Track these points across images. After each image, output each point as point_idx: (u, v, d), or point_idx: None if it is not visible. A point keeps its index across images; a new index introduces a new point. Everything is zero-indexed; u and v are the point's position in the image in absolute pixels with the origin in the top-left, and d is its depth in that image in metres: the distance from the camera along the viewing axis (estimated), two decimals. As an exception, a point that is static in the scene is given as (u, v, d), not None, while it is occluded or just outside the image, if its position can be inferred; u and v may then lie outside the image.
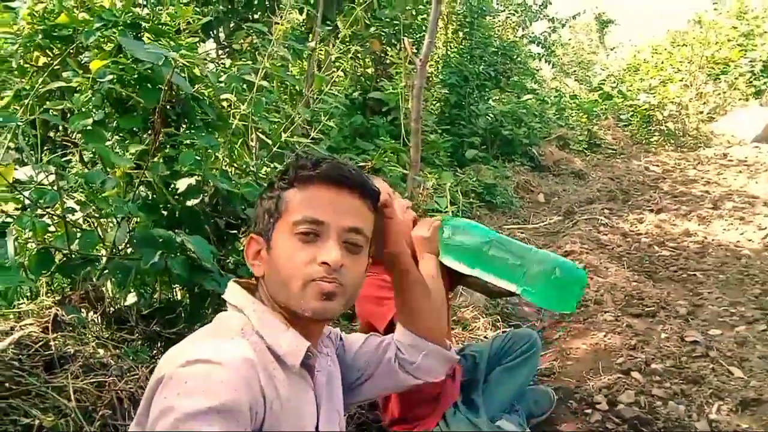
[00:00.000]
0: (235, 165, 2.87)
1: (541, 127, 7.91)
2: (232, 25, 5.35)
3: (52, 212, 2.02)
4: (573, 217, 5.30)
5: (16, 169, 2.02)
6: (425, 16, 6.08)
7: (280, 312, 1.04)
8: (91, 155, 2.44)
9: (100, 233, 2.19)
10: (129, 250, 2.12)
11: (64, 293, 1.86)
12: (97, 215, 2.20)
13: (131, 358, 1.67)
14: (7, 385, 1.27)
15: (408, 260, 1.26)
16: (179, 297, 2.36)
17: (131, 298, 2.20)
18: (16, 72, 2.40)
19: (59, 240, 2.00)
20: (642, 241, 4.52)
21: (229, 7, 5.24)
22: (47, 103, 2.33)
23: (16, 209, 1.96)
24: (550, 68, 12.35)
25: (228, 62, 4.27)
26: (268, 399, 0.92)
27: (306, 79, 4.33)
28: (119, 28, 2.30)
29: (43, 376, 1.36)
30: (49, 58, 2.44)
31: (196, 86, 2.40)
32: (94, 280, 1.95)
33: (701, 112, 9.75)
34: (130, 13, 2.40)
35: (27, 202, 1.92)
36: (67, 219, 1.97)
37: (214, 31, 5.36)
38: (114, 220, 2.19)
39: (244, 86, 2.78)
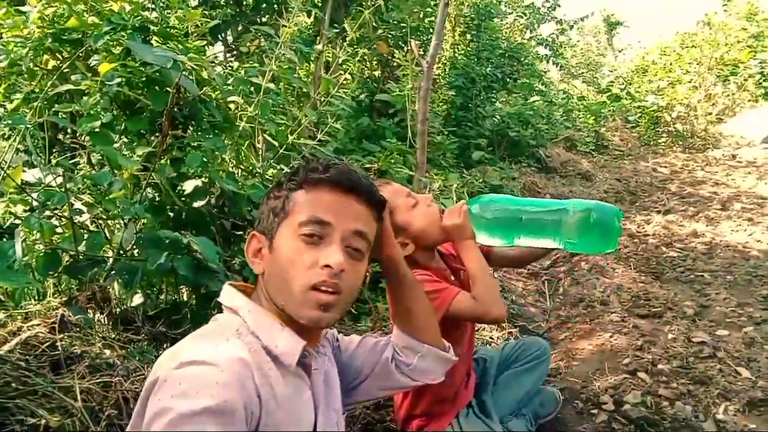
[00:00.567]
0: (242, 167, 2.89)
1: (548, 129, 7.88)
2: (239, 27, 5.39)
3: (60, 214, 2.05)
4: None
5: (24, 171, 2.05)
6: (432, 18, 6.09)
7: (276, 312, 1.05)
8: (99, 157, 2.46)
9: (107, 234, 2.22)
10: (136, 252, 2.15)
11: (71, 294, 1.88)
12: (104, 217, 2.22)
13: (137, 358, 1.69)
14: (14, 385, 1.29)
15: (403, 263, 1.27)
16: (185, 298, 2.38)
17: (138, 299, 2.22)
18: (26, 75, 2.44)
19: (66, 241, 2.02)
20: (649, 242, 4.50)
21: (237, 10, 5.28)
22: (56, 105, 2.36)
23: (25, 211, 1.99)
24: (557, 70, 12.33)
25: (235, 65, 4.30)
26: (263, 398, 0.93)
27: (313, 82, 4.35)
28: (128, 31, 2.33)
29: (49, 376, 1.38)
30: (59, 62, 2.48)
31: (204, 89, 2.42)
32: (100, 281, 1.97)
33: (710, 114, 9.69)
34: (139, 17, 2.43)
35: (35, 203, 1.95)
36: (75, 220, 2.00)
37: (222, 34, 5.40)
38: (121, 222, 2.22)
39: (252, 89, 2.81)
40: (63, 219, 2.07)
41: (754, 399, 2.33)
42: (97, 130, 2.17)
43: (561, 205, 1.66)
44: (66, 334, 1.56)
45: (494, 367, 2.19)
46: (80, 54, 2.39)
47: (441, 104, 6.35)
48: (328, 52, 4.66)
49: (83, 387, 1.36)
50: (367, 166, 3.91)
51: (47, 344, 1.48)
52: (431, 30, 5.87)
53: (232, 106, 2.80)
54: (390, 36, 5.46)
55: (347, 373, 1.26)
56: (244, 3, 5.30)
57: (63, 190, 1.96)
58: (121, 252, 2.12)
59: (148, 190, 2.27)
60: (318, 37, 4.73)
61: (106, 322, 1.86)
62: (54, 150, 2.51)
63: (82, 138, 2.44)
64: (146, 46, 2.23)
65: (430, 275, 1.66)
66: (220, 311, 1.10)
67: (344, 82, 4.56)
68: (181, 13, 2.73)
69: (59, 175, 2.03)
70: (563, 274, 3.91)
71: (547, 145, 7.45)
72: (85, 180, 2.22)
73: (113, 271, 2.06)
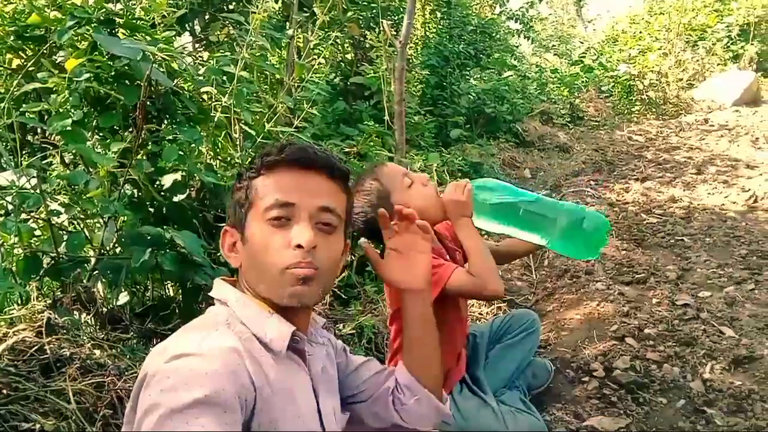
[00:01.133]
0: (220, 158, 2.85)
1: (524, 103, 7.89)
2: (207, 17, 5.27)
3: (37, 216, 2.00)
4: (560, 190, 5.33)
5: (-4, 174, 1.99)
6: (402, -3, 6.03)
7: (262, 300, 1.04)
8: (73, 156, 2.41)
9: (87, 234, 2.17)
10: (118, 250, 2.11)
11: (55, 296, 1.85)
12: (82, 216, 2.17)
13: (128, 357, 1.67)
14: (5, 391, 1.26)
15: (430, 299, 1.24)
16: (172, 293, 2.35)
17: (124, 298, 2.19)
18: (-11, 76, 2.36)
19: (46, 243, 1.98)
20: (629, 210, 4.56)
21: (203, -1, 5.16)
22: (24, 105, 2.29)
23: (0, 215, 1.94)
24: (529, 44, 12.33)
25: (206, 55, 4.22)
26: (257, 385, 0.92)
27: (286, 68, 4.29)
28: (93, 25, 2.27)
29: (40, 380, 1.36)
30: (23, 60, 2.40)
31: (176, 80, 2.37)
32: (84, 281, 1.94)
33: (681, 80, 9.79)
34: (103, 10, 2.36)
35: (10, 207, 1.90)
36: (53, 222, 1.95)
37: (190, 24, 5.28)
38: (101, 220, 2.18)
39: (224, 78, 2.76)
40: (40, 221, 2.02)
41: (738, 357, 2.39)
42: (69, 128, 2.11)
43: (559, 206, 1.74)
44: (53, 337, 1.53)
45: (485, 342, 2.22)
46: (45, 51, 2.32)
47: (416, 84, 6.32)
48: (300, 37, 4.59)
49: (76, 389, 1.34)
50: (346, 150, 3.89)
51: (35, 348, 1.45)
52: (402, 10, 5.82)
53: (205, 96, 2.75)
54: (361, 18, 5.40)
55: (346, 388, 1.23)
56: (211, -9, 5.18)
57: (38, 191, 1.91)
58: (103, 251, 2.08)
59: (126, 186, 2.23)
60: (288, 23, 4.66)
61: (94, 323, 1.83)
62: (25, 152, 2.45)
63: (53, 137, 2.38)
64: (114, 38, 2.17)
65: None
66: (209, 305, 1.09)
67: (318, 66, 4.51)
68: (146, 3, 2.66)
69: (32, 177, 1.98)
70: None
71: (523, 120, 7.48)
72: (59, 180, 2.17)
73: (96, 271, 2.03)
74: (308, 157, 1.05)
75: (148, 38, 2.40)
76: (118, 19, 2.38)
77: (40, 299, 1.85)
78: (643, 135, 7.54)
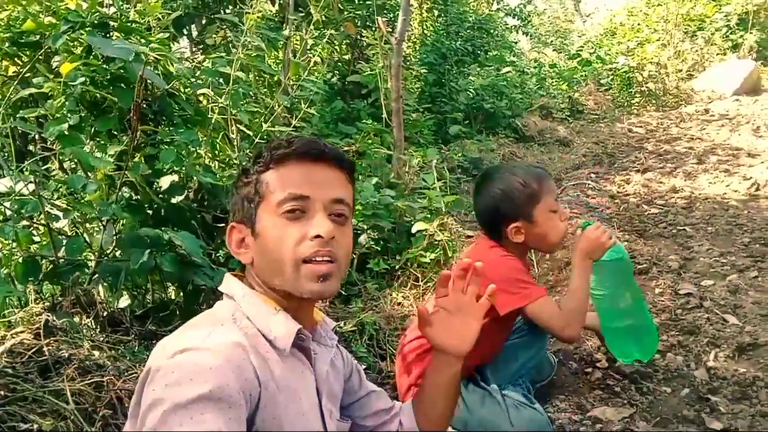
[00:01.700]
0: (218, 159, 2.86)
1: (523, 98, 7.88)
2: (203, 20, 5.28)
3: (36, 221, 2.01)
4: (561, 183, 5.31)
5: (-6, 180, 2.00)
6: (397, -5, 6.02)
7: (271, 296, 1.04)
8: (70, 161, 2.42)
9: (86, 238, 2.18)
10: (117, 252, 2.12)
11: (54, 300, 1.85)
12: (81, 220, 2.18)
13: (128, 358, 1.67)
14: (2, 392, 1.26)
15: (460, 365, 1.22)
16: (173, 295, 2.35)
17: (124, 301, 2.20)
18: (-15, 82, 2.37)
19: (45, 248, 1.99)
20: (630, 201, 4.54)
21: (200, 2, 5.17)
22: (20, 111, 2.30)
23: (-1, 220, 1.95)
24: (528, 40, 12.31)
25: (201, 58, 4.22)
26: (262, 380, 0.92)
27: (283, 68, 4.29)
28: (87, 29, 2.27)
29: (38, 381, 1.36)
30: (19, 66, 2.41)
31: (172, 83, 2.38)
32: (84, 285, 1.94)
33: (680, 70, 9.75)
34: (97, 13, 2.37)
35: (8, 212, 1.91)
36: (52, 226, 1.96)
37: (186, 28, 5.29)
38: (99, 224, 2.18)
39: (221, 80, 2.76)
40: (39, 226, 2.03)
41: (742, 344, 2.38)
42: (66, 132, 2.12)
43: (646, 319, 2.04)
44: (52, 338, 1.53)
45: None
46: (40, 57, 2.33)
47: (414, 82, 6.32)
48: (296, 37, 4.60)
49: (74, 389, 1.34)
50: (345, 148, 3.89)
51: (33, 350, 1.45)
52: (397, 7, 5.81)
53: (202, 98, 2.75)
54: (356, 16, 5.40)
55: (351, 410, 1.23)
56: (206, -6, 5.19)
57: (36, 196, 1.92)
58: (103, 254, 2.09)
59: (124, 189, 2.23)
60: (283, 24, 4.66)
61: (93, 326, 1.84)
62: (25, 158, 2.46)
63: (51, 142, 2.39)
64: (106, 40, 2.17)
65: (522, 266, 1.75)
66: (209, 306, 1.09)
67: (315, 66, 4.51)
68: (140, 6, 2.66)
69: (30, 182, 1.99)
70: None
71: (522, 115, 7.46)
72: (58, 185, 2.18)
73: (96, 274, 2.03)
74: (318, 149, 1.05)
75: (143, 41, 2.41)
76: (112, 23, 2.38)
77: (38, 302, 1.86)
78: (644, 127, 7.52)
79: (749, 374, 2.18)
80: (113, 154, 2.20)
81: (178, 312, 2.12)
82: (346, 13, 5.22)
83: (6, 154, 2.17)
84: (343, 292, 2.78)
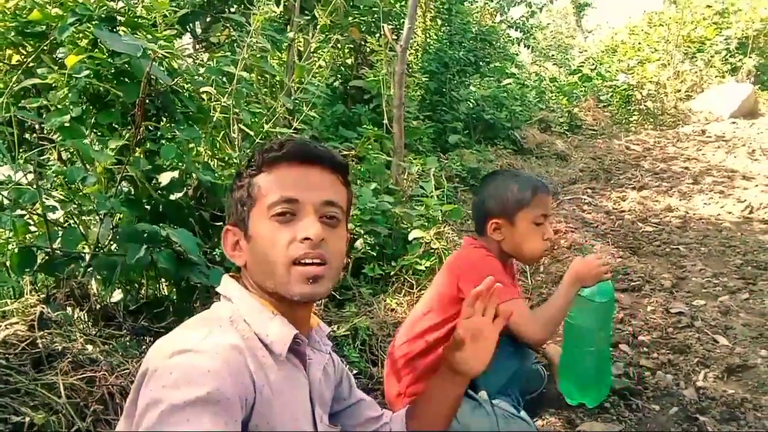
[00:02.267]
0: (218, 157, 2.86)
1: (523, 111, 7.92)
2: (208, 19, 5.29)
3: (33, 211, 2.00)
4: (557, 197, 5.34)
5: (-7, 168, 1.99)
6: (404, 2, 6.06)
7: (267, 299, 1.04)
8: (70, 153, 2.41)
9: (83, 230, 2.17)
10: (113, 247, 2.11)
11: (49, 291, 1.84)
12: (78, 212, 2.17)
13: (120, 353, 1.66)
14: (-5, 384, 1.26)
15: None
16: (166, 292, 2.35)
17: (118, 295, 2.19)
18: (-11, 71, 2.36)
19: (41, 239, 1.98)
20: (625, 218, 4.56)
21: (206, 0, 5.17)
22: (22, 101, 2.29)
23: (-5, 209, 1.94)
24: (529, 53, 12.39)
25: (206, 56, 4.23)
26: (257, 384, 0.92)
27: (286, 70, 4.30)
28: (94, 22, 2.27)
29: (31, 373, 1.35)
30: (23, 56, 2.40)
31: (176, 79, 2.37)
32: (79, 277, 1.93)
33: (679, 91, 9.84)
34: (105, 7, 2.36)
35: (6, 201, 1.90)
36: (48, 217, 1.95)
37: (191, 25, 5.29)
38: (97, 217, 2.17)
39: (224, 79, 2.76)
40: (36, 217, 2.02)
41: (732, 365, 2.39)
42: (67, 124, 2.11)
43: (606, 368, 2.07)
44: (46, 331, 1.52)
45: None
46: (45, 47, 2.32)
47: (416, 89, 6.34)
48: (300, 40, 4.61)
49: (67, 383, 1.34)
50: (345, 152, 3.89)
51: (27, 342, 1.44)
52: (403, 15, 5.84)
53: (205, 96, 2.75)
54: (362, 22, 5.42)
55: (339, 418, 1.23)
56: (212, -8, 5.19)
57: (34, 187, 1.91)
58: (99, 248, 2.08)
59: (123, 183, 2.23)
60: (288, 26, 4.67)
61: (87, 319, 1.83)
62: (22, 149, 2.45)
63: (51, 133, 2.38)
64: (114, 35, 2.17)
65: (501, 268, 1.76)
66: (203, 304, 1.09)
67: (318, 69, 4.52)
68: (148, 2, 2.66)
69: (29, 172, 1.98)
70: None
71: (522, 127, 7.49)
72: (56, 176, 2.17)
73: (91, 267, 2.02)
74: (309, 152, 1.05)
75: (149, 37, 2.41)
76: (119, 17, 2.38)
77: (33, 294, 1.85)
78: (641, 145, 7.57)
79: (738, 395, 2.19)
80: (114, 148, 2.20)
81: (171, 309, 2.11)
82: (351, 18, 5.24)
83: (6, 143, 2.16)
84: (338, 297, 2.78)
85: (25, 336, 1.46)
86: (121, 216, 2.22)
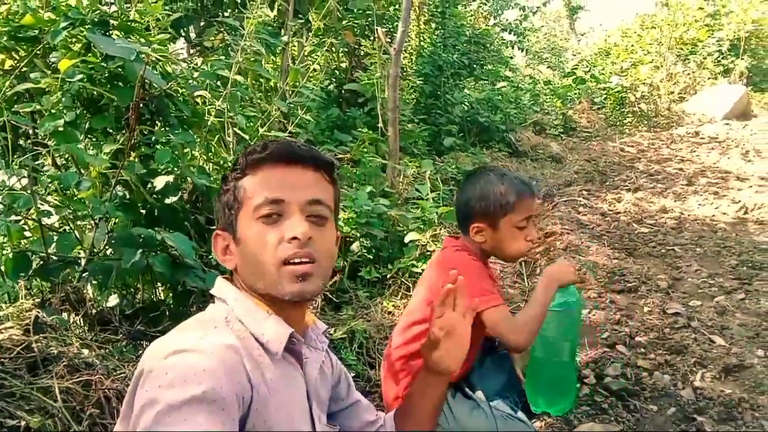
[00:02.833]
0: (213, 161, 2.85)
1: (517, 114, 7.93)
2: (202, 23, 5.28)
3: (27, 216, 1.98)
4: (552, 199, 5.35)
5: (-14, 173, 1.98)
6: (397, 6, 6.06)
7: (260, 299, 1.04)
8: (64, 158, 2.40)
9: (78, 235, 2.16)
10: (109, 251, 2.10)
11: (44, 296, 1.83)
12: (73, 217, 2.16)
13: (117, 357, 1.65)
14: (-11, 388, 1.24)
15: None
16: (162, 296, 2.33)
17: (113, 300, 2.18)
18: (-18, 75, 2.35)
19: (36, 244, 1.97)
20: (621, 220, 4.58)
21: (199, 5, 5.17)
22: (16, 106, 2.28)
23: (-11, 214, 1.93)
24: (523, 56, 12.43)
25: (199, 61, 4.22)
26: (254, 383, 0.91)
27: (281, 74, 4.29)
28: (87, 26, 2.26)
29: (27, 377, 1.34)
30: (16, 61, 2.39)
31: (170, 83, 2.37)
32: (74, 282, 1.92)
33: (672, 93, 9.88)
34: (97, 11, 2.36)
35: (0, 207, 1.89)
36: (43, 222, 1.94)
37: (185, 30, 5.28)
38: (92, 222, 2.16)
39: (218, 83, 2.76)
40: (31, 222, 2.01)
41: (729, 365, 2.40)
42: (61, 129, 2.10)
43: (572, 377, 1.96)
44: (41, 335, 1.51)
45: (477, 353, 2.21)
46: (38, 52, 2.32)
47: (410, 93, 6.35)
48: (294, 44, 4.61)
49: (62, 387, 1.33)
50: (340, 156, 3.89)
51: (22, 346, 1.43)
52: (397, 18, 5.84)
53: (199, 100, 2.75)
54: (355, 25, 5.42)
55: (336, 419, 1.23)
56: (206, -2, 5.19)
57: (28, 192, 1.90)
58: (94, 252, 2.07)
59: (118, 188, 2.22)
60: (282, 29, 4.67)
61: (82, 324, 1.81)
62: (16, 155, 2.44)
63: (46, 138, 2.37)
64: (107, 39, 2.17)
65: (484, 272, 1.74)
66: (199, 308, 1.08)
67: (312, 73, 4.52)
68: (141, 6, 2.66)
69: (23, 177, 1.97)
70: (539, 254, 3.95)
71: (516, 130, 7.51)
72: (51, 181, 2.16)
73: (86, 272, 2.01)
74: (292, 152, 1.05)
75: (143, 40, 2.40)
76: (112, 21, 2.38)
77: (28, 298, 1.84)
78: (635, 146, 7.60)
79: (735, 395, 2.19)
80: (108, 153, 2.19)
81: (167, 313, 2.10)
82: (345, 21, 5.25)
83: (0, 149, 2.15)
84: (335, 300, 2.78)
85: (20, 340, 1.45)
86: (116, 220, 2.21)
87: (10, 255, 1.85)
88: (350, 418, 1.24)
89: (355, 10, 5.44)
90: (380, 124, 4.26)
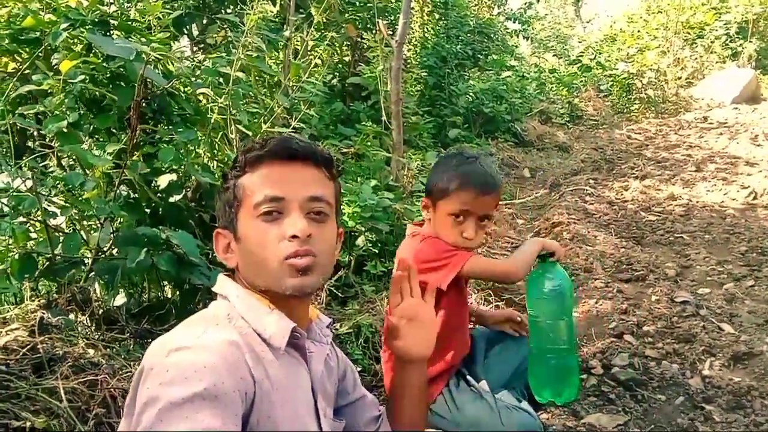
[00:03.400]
0: (217, 159, 2.85)
1: (523, 103, 7.88)
2: (204, 20, 5.28)
3: (33, 218, 2.00)
4: (559, 189, 5.32)
5: (-9, 175, 2.00)
6: (399, -2, 6.03)
7: (262, 296, 1.04)
8: (69, 158, 2.41)
9: (84, 235, 2.17)
10: (114, 251, 2.11)
11: (50, 297, 1.85)
12: (78, 217, 2.18)
13: (123, 356, 1.66)
14: (-5, 390, 1.26)
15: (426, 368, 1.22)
16: (169, 294, 2.35)
17: (120, 299, 2.19)
18: (-15, 79, 2.37)
19: (42, 244, 1.98)
20: (628, 208, 4.55)
21: (201, 2, 5.17)
22: (19, 108, 2.29)
23: (-5, 217, 1.94)
24: (528, 44, 12.34)
25: (202, 57, 4.22)
26: (257, 379, 0.92)
27: (283, 69, 4.29)
28: (87, 26, 2.27)
29: (32, 378, 1.35)
30: (18, 63, 2.41)
31: (172, 81, 2.37)
32: (80, 282, 1.94)
33: (679, 78, 9.77)
34: (97, 11, 2.36)
35: (5, 208, 1.90)
36: (49, 223, 1.95)
37: (187, 28, 5.29)
38: (97, 222, 2.17)
39: (221, 80, 2.76)
40: (36, 223, 2.02)
41: (738, 353, 2.38)
42: (64, 129, 2.12)
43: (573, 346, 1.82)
44: (46, 336, 1.52)
45: (484, 341, 2.20)
46: (40, 54, 2.33)
47: (414, 85, 6.32)
48: (297, 38, 4.60)
49: (68, 387, 1.34)
50: (344, 150, 3.89)
51: (27, 347, 1.45)
52: (398, 10, 5.82)
53: (202, 98, 2.75)
54: (357, 18, 5.40)
55: (339, 413, 1.22)
56: (207, -6, 5.19)
57: (34, 193, 1.91)
58: (99, 252, 2.08)
59: (122, 187, 2.23)
60: (284, 25, 4.66)
61: (89, 323, 1.83)
62: (25, 156, 2.45)
63: (50, 139, 2.38)
64: (108, 39, 2.17)
65: (436, 241, 1.70)
66: (205, 306, 1.09)
67: (314, 67, 4.51)
68: (141, 5, 2.66)
69: (28, 179, 1.99)
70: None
71: (522, 119, 7.46)
72: (56, 182, 2.17)
73: (93, 272, 2.03)
74: (291, 149, 1.05)
75: (143, 40, 2.41)
76: (112, 21, 2.38)
77: (34, 299, 1.85)
78: (643, 133, 7.53)
79: (744, 383, 2.18)
80: (112, 152, 2.20)
81: (173, 311, 2.12)
82: (347, 15, 5.23)
83: (4, 150, 2.16)
84: (340, 294, 2.78)
85: (26, 341, 1.47)
86: (121, 220, 2.22)
87: (16, 256, 1.87)
88: (356, 413, 1.24)
89: (356, 3, 5.42)
90: (384, 117, 4.25)
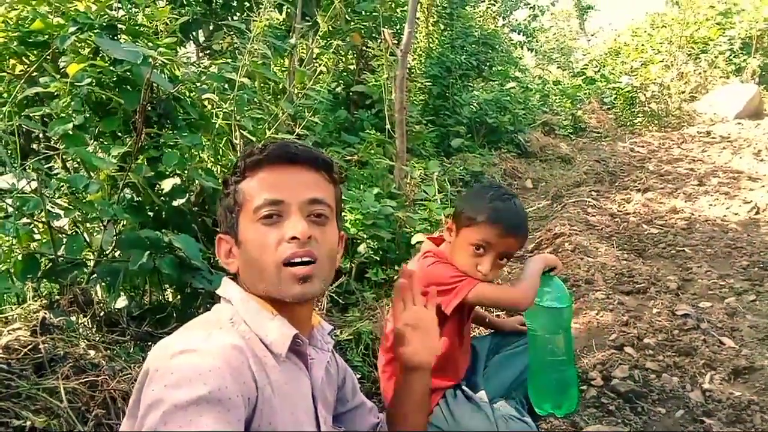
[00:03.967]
0: (221, 164, 2.87)
1: (526, 114, 7.92)
2: (211, 26, 5.32)
3: (37, 219, 2.01)
4: (561, 200, 5.33)
5: (-3, 176, 2.01)
6: (404, 7, 6.07)
7: (264, 300, 1.04)
8: (73, 161, 2.42)
9: (87, 237, 2.18)
10: (117, 253, 2.12)
11: (52, 298, 1.85)
12: (81, 219, 2.18)
13: (123, 358, 1.66)
14: (-4, 389, 1.26)
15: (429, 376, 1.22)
16: (170, 298, 2.35)
17: (122, 301, 2.20)
18: (-7, 80, 2.39)
19: (45, 246, 1.99)
20: (630, 221, 4.55)
21: (207, 9, 5.21)
22: (26, 110, 2.31)
23: (0, 217, 1.95)
24: (532, 56, 12.40)
25: (207, 63, 4.25)
26: (259, 384, 0.92)
27: (288, 76, 4.31)
28: (95, 30, 2.29)
29: (33, 378, 1.36)
30: (26, 66, 2.43)
31: (177, 86, 2.39)
32: (82, 284, 1.94)
33: (683, 92, 9.80)
34: (106, 16, 2.39)
35: (10, 209, 1.91)
36: (52, 224, 1.96)
37: (194, 34, 5.33)
38: (100, 224, 2.18)
39: (226, 85, 2.78)
40: (40, 224, 2.03)
41: (738, 367, 2.37)
42: (70, 132, 2.13)
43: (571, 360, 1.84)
44: (48, 336, 1.53)
45: (485, 351, 2.20)
46: (47, 57, 2.35)
47: (418, 94, 6.36)
48: (302, 46, 4.63)
49: (68, 388, 1.34)
50: (347, 157, 3.90)
51: (29, 347, 1.45)
52: (404, 19, 5.85)
53: (207, 103, 2.77)
54: (363, 27, 5.43)
55: (338, 421, 1.23)
56: (214, 1, 5.23)
57: (38, 194, 1.92)
58: (102, 254, 2.09)
59: (126, 190, 2.24)
60: (290, 32, 4.69)
61: (90, 325, 1.83)
62: (30, 158, 2.47)
63: (55, 142, 2.40)
64: (115, 43, 2.19)
65: (446, 266, 1.71)
66: (206, 309, 1.09)
67: (319, 75, 4.54)
68: (149, 11, 2.68)
69: (33, 180, 2.00)
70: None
71: (525, 130, 7.49)
72: (60, 184, 2.19)
73: (95, 274, 2.03)
74: (290, 152, 1.06)
75: (150, 45, 2.43)
76: (120, 26, 2.40)
77: (36, 300, 1.86)
78: (645, 146, 7.54)
79: (744, 398, 2.17)
80: (116, 155, 2.21)
81: (174, 314, 2.12)
82: (352, 23, 5.26)
83: (10, 152, 2.17)
84: (341, 301, 2.78)
85: (28, 341, 1.47)
86: (124, 223, 2.23)
87: (20, 257, 1.87)
88: (355, 420, 1.24)
89: (362, 12, 5.46)
90: (388, 126, 4.26)
